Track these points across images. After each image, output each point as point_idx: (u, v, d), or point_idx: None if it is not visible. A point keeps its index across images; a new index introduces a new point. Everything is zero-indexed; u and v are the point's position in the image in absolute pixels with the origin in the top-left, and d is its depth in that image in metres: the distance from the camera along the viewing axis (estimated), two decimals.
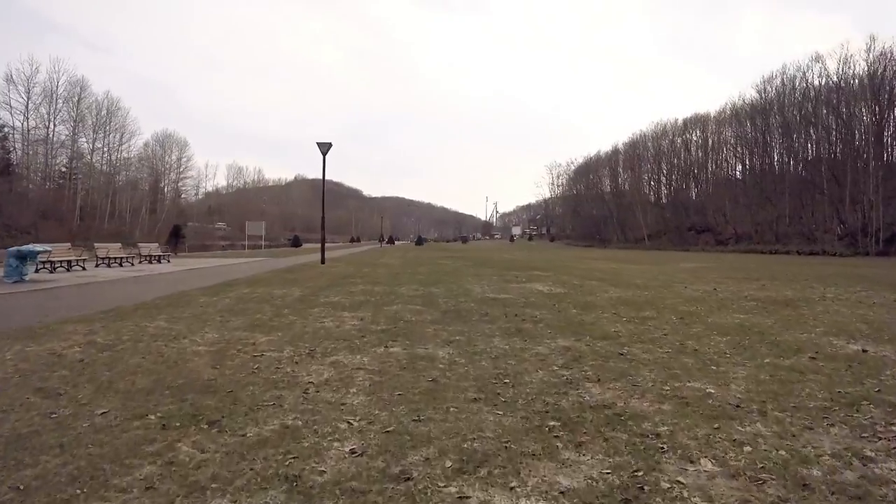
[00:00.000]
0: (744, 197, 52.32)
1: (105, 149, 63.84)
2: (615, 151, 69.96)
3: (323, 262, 19.87)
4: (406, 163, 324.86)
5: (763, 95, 49.77)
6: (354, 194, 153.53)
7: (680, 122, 60.89)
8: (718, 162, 57.12)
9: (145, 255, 18.94)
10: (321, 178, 20.31)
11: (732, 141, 54.49)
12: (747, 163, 52.78)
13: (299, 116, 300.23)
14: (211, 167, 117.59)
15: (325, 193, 20.18)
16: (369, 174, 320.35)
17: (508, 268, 17.13)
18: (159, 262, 19.46)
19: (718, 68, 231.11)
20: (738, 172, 54.82)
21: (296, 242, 49.33)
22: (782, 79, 47.23)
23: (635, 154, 65.76)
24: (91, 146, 62.14)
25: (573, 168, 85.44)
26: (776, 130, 49.34)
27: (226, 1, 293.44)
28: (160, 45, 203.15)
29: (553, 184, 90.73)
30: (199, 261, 22.84)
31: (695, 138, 59.14)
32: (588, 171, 76.82)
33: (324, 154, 20.12)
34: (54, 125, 55.98)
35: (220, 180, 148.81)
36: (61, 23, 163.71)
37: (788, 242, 44.80)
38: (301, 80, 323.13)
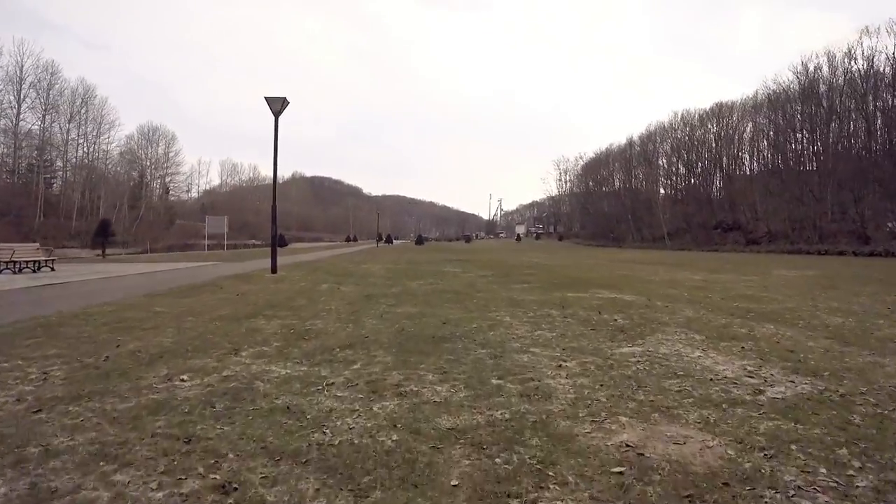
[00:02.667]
0: (779, 191, 45.71)
1: (80, 140, 57.38)
2: (629, 144, 63.26)
3: (274, 270, 13.30)
4: (406, 161, 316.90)
5: (802, 79, 43.09)
6: (354, 192, 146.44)
7: (702, 111, 54.33)
8: (747, 153, 50.48)
9: (6, 262, 12.34)
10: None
11: (765, 130, 47.84)
12: (784, 153, 46.10)
13: (298, 114, 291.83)
14: (204, 164, 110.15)
15: (276, 182, 13.61)
16: (369, 173, 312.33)
17: (556, 283, 10.50)
18: (35, 270, 12.91)
19: (719, 67, 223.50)
20: (770, 164, 48.14)
21: (281, 242, 42.96)
22: (827, 58, 40.55)
23: (653, 147, 59.06)
24: (65, 137, 55.70)
25: (581, 163, 78.80)
26: (818, 117, 42.68)
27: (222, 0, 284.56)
28: (156, 44, 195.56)
29: (561, 180, 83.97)
30: (111, 267, 16.26)
31: (720, 128, 52.49)
32: (599, 166, 70.08)
33: (276, 114, 13.56)
34: (18, 112, 49.49)
35: (213, 178, 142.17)
36: (58, 22, 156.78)
37: (836, 241, 38.22)
38: (300, 78, 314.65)
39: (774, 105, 45.92)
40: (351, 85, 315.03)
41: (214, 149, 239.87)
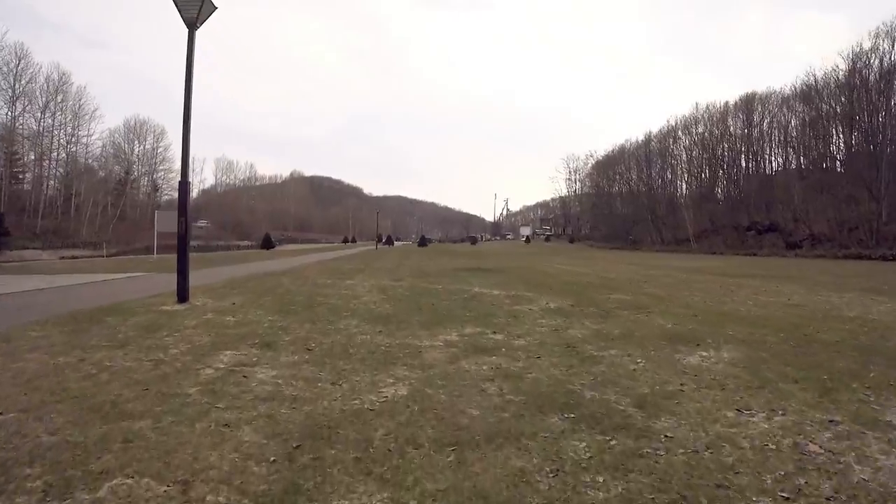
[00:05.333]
0: (824, 188, 39.83)
1: (56, 132, 51.42)
2: (647, 140, 57.39)
3: (181, 298, 7.30)
4: (408, 162, 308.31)
5: (854, 63, 37.16)
6: (354, 192, 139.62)
7: (731, 102, 48.55)
8: (785, 147, 44.61)
9: None
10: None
11: (806, 121, 41.96)
12: (830, 147, 40.28)
13: (299, 113, 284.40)
14: (199, 161, 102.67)
15: (188, 138, 7.63)
16: (370, 173, 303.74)
17: (767, 344, 4.46)
18: None
19: (723, 66, 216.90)
20: (814, 159, 42.28)
21: (266, 243, 37.08)
22: (888, 35, 34.58)
23: (674, 142, 53.22)
24: (38, 127, 49.78)
25: (592, 162, 72.87)
26: (871, 105, 36.81)
27: None
28: (153, 42, 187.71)
29: (570, 179, 77.68)
30: None
31: (752, 121, 46.63)
32: (613, 164, 64.16)
33: (190, 25, 7.57)
34: None
35: (208, 176, 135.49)
36: (55, 20, 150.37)
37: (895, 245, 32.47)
38: (299, 76, 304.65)
39: (819, 94, 40.05)
40: (351, 84, 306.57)
41: (212, 148, 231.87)
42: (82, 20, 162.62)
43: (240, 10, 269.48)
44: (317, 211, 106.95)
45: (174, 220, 20.92)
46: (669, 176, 54.38)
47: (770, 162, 45.91)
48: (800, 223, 41.98)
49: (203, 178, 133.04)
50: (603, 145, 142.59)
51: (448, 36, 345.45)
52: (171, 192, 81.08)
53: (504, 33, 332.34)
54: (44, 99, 49.11)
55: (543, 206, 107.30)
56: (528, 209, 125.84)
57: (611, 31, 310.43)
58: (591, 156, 72.74)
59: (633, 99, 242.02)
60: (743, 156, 47.33)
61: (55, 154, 51.35)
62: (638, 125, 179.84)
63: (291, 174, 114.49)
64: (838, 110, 38.98)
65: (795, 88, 42.37)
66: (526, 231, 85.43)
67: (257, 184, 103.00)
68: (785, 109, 44.11)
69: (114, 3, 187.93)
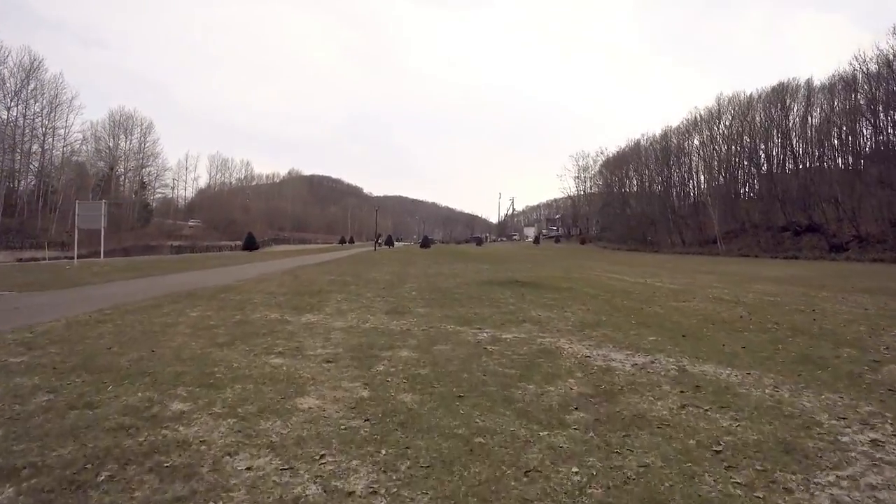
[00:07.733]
0: (874, 184, 35.02)
1: (28, 122, 46.51)
2: (665, 135, 52.60)
3: None
4: (409, 161, 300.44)
5: None
6: (354, 192, 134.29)
7: (759, 93, 43.77)
8: (827, 138, 39.76)
9: None
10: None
11: (851, 109, 37.17)
12: (884, 135, 35.47)
13: (297, 112, 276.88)
14: (192, 158, 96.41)
15: None
16: (370, 172, 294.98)
17: None
18: None
19: (728, 64, 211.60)
20: (865, 151, 37.52)
21: (249, 244, 32.30)
22: None
23: (698, 135, 48.43)
24: (8, 117, 44.86)
25: (603, 159, 68.00)
26: None
27: None
28: (150, 40, 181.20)
29: (579, 177, 72.56)
30: None
31: (785, 111, 41.81)
32: (627, 161, 59.31)
33: None
34: None
35: (201, 174, 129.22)
36: (51, 18, 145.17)
37: None
38: (298, 74, 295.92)
39: (867, 77, 35.29)
40: (351, 83, 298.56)
41: (208, 146, 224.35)
42: (77, 18, 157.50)
43: (240, 8, 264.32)
44: (315, 210, 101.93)
45: (97, 213, 14.36)
46: (690, 172, 49.61)
47: (807, 156, 41.10)
48: (844, 223, 37.15)
49: (197, 175, 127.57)
50: (608, 143, 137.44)
51: (449, 35, 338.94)
52: (161, 190, 76.19)
53: (505, 32, 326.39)
54: (14, 86, 44.29)
55: (548, 205, 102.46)
56: (531, 209, 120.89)
57: (613, 30, 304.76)
58: (602, 153, 67.89)
59: (636, 97, 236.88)
60: (775, 150, 42.56)
61: (27, 147, 46.44)
62: (642, 123, 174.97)
63: (289, 173, 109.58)
64: (887, 97, 34.25)
65: (837, 74, 37.66)
66: (532, 231, 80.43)
67: (254, 183, 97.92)
68: (823, 97, 39.37)
69: (110, 2, 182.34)
